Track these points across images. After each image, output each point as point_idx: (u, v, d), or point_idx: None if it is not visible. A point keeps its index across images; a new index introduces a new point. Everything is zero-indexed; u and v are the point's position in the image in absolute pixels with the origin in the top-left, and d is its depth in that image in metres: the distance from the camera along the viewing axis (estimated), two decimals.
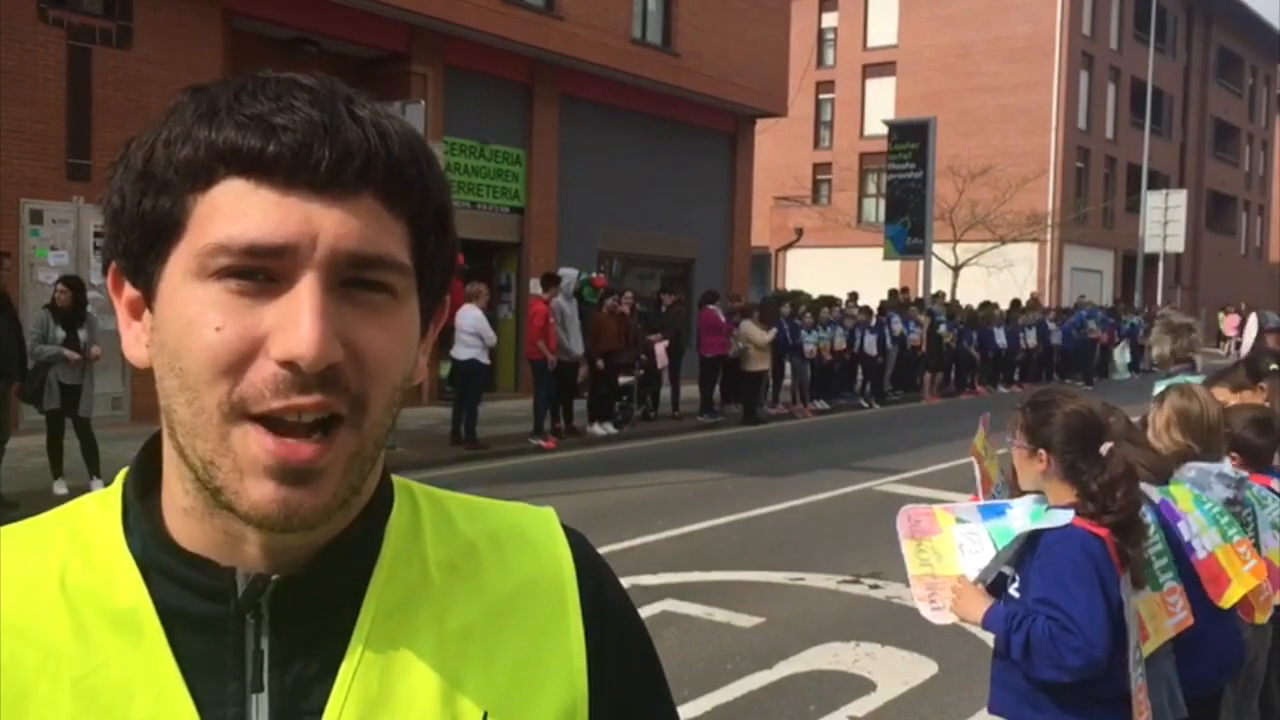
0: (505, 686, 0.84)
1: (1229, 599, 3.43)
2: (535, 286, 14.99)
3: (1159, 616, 3.29)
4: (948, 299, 26.14)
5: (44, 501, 8.52)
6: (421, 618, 0.84)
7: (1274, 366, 4.78)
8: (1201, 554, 3.38)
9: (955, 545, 3.12)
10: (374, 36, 16.61)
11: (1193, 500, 3.47)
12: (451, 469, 11.86)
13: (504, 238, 19.10)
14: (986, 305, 25.05)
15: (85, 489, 8.63)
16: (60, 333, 9.38)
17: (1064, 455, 2.90)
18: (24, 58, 12.61)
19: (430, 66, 17.29)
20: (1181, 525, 3.38)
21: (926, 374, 21.84)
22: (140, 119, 13.29)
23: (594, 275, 16.76)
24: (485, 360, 13.42)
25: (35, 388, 9.33)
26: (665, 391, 16.85)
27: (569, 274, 15.03)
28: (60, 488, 9.34)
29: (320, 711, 0.79)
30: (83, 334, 9.51)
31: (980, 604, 2.95)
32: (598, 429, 14.87)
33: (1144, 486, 3.32)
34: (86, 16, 13.22)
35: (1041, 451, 2.93)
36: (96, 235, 13.21)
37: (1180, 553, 3.35)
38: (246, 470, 0.74)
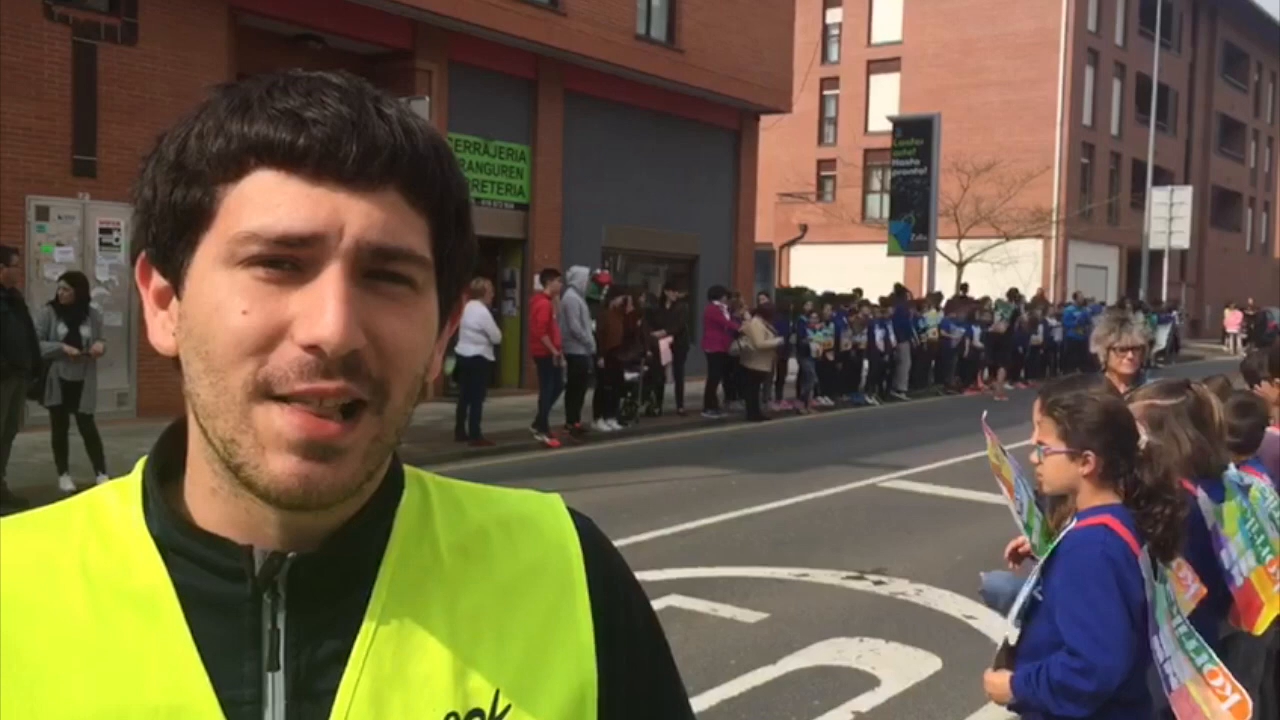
0: (516, 665, 0.86)
1: (1262, 624, 3.37)
2: (540, 283, 14.99)
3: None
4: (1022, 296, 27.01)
5: (50, 497, 8.50)
6: (434, 598, 0.86)
7: None
8: (1239, 581, 3.32)
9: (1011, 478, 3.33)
10: (378, 33, 16.63)
11: (1238, 520, 3.39)
12: (456, 465, 11.88)
13: (508, 234, 19.12)
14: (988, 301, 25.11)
15: (92, 484, 8.67)
16: (62, 329, 9.41)
17: (1108, 455, 2.82)
18: (29, 54, 12.63)
19: (434, 62, 17.31)
20: (1224, 554, 3.32)
21: (1001, 369, 23.61)
22: (145, 115, 13.34)
23: (598, 271, 16.76)
24: (490, 357, 13.46)
25: (36, 383, 9.36)
26: (669, 388, 16.85)
27: (581, 272, 15.02)
28: (66, 483, 9.36)
29: (335, 690, 0.80)
30: (85, 330, 9.53)
31: (1004, 682, 2.88)
32: (603, 425, 14.89)
33: (1201, 503, 3.29)
34: (92, 13, 13.23)
35: (1089, 454, 2.83)
36: (102, 232, 13.24)
37: (1218, 577, 3.30)
38: (268, 445, 0.76)
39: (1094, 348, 5.35)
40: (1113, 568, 2.72)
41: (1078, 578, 2.76)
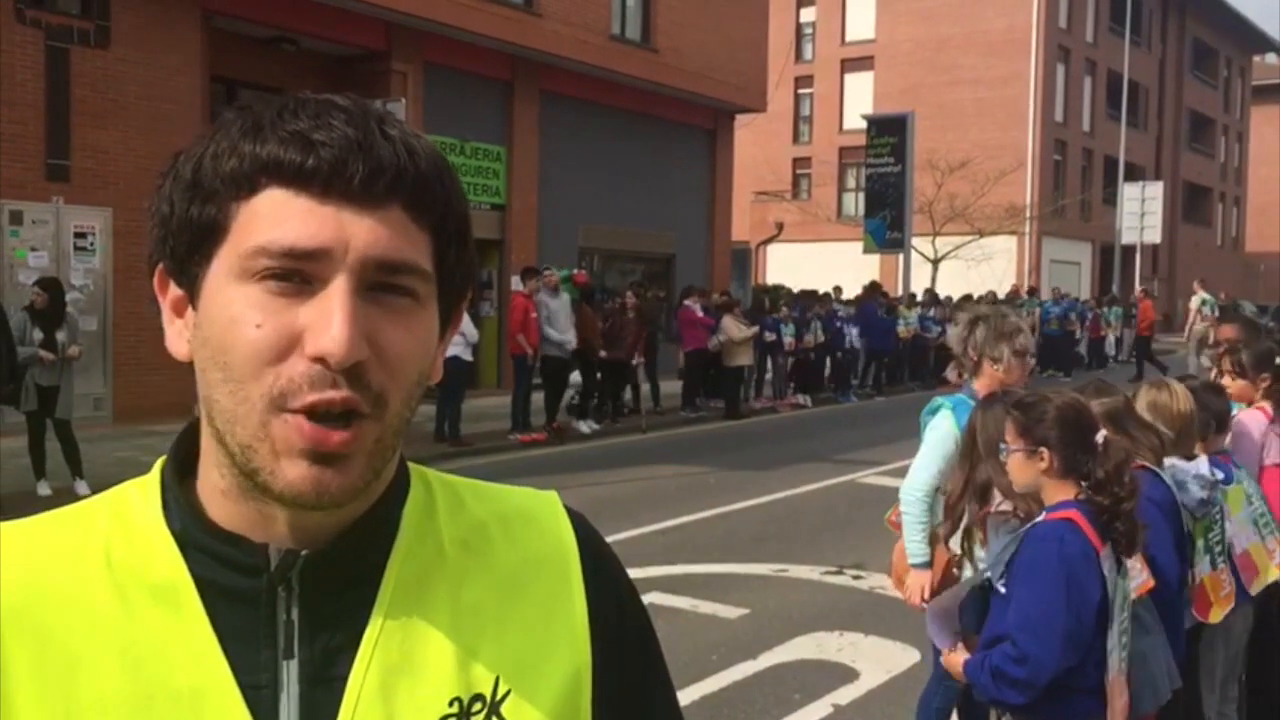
0: (516, 654, 0.91)
1: (1215, 616, 3.52)
2: (517, 283, 15.01)
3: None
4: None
5: (29, 503, 8.51)
6: (438, 591, 0.91)
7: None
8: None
9: None
10: (352, 34, 16.58)
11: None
12: (436, 465, 11.78)
13: (485, 235, 19.10)
14: (968, 299, 25.18)
15: (69, 490, 8.64)
16: (38, 334, 9.36)
17: (1063, 450, 2.92)
18: (1, 58, 12.54)
19: (409, 64, 17.28)
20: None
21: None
22: (119, 119, 13.27)
23: (575, 272, 16.79)
24: (468, 357, 13.46)
25: (12, 389, 9.31)
26: (645, 387, 16.85)
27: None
28: (44, 489, 9.30)
29: (346, 677, 0.86)
30: (61, 335, 9.48)
31: (960, 661, 3.06)
32: (582, 426, 14.91)
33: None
34: (64, 17, 13.15)
35: (1043, 450, 2.94)
36: (76, 236, 13.17)
37: (1185, 567, 3.45)
38: (283, 452, 0.80)
39: (976, 351, 4.06)
40: (1066, 566, 2.80)
41: (1031, 571, 2.87)
